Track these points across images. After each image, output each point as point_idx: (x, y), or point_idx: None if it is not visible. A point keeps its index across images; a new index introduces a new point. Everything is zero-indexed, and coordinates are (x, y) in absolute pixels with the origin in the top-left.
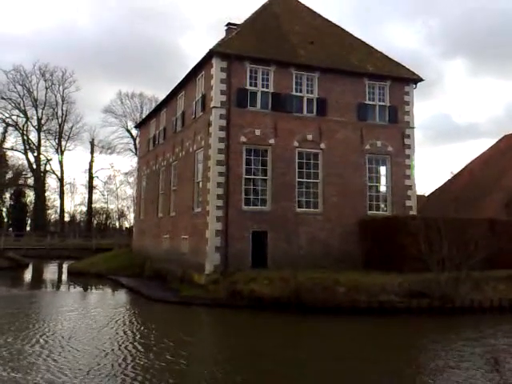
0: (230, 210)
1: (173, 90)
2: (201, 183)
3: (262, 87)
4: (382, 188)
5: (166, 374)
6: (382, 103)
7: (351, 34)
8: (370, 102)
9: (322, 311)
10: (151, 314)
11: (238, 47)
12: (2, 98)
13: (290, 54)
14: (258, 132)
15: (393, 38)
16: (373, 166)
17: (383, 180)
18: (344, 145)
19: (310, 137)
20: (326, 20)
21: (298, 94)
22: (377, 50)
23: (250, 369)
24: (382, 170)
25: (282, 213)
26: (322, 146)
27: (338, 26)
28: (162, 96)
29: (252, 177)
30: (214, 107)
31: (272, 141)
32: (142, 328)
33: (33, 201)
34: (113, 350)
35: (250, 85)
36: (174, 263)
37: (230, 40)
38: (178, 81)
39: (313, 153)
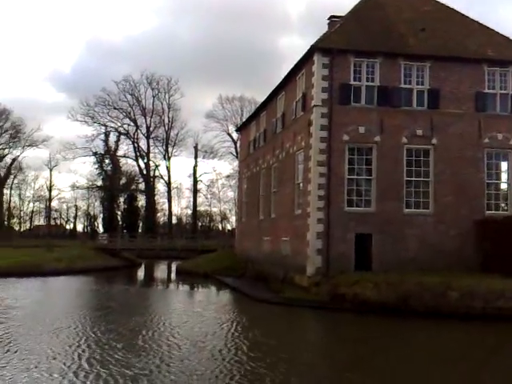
0: (331, 212)
1: (273, 91)
2: (301, 185)
3: (367, 81)
4: (503, 185)
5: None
6: (503, 91)
7: (467, 17)
8: (490, 91)
9: (431, 316)
10: (256, 314)
11: (340, 41)
12: (115, 108)
13: (398, 43)
14: (361, 129)
15: None
16: (492, 162)
17: (504, 177)
18: (459, 139)
19: (420, 132)
20: (438, 3)
21: (407, 86)
22: (498, 33)
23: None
24: (503, 165)
25: (388, 214)
26: (434, 141)
27: (453, 9)
28: (261, 98)
29: (355, 177)
30: (315, 106)
31: (377, 138)
32: (248, 327)
33: (144, 204)
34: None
35: (354, 80)
36: (276, 265)
37: (332, 34)
38: (278, 81)
39: (423, 149)
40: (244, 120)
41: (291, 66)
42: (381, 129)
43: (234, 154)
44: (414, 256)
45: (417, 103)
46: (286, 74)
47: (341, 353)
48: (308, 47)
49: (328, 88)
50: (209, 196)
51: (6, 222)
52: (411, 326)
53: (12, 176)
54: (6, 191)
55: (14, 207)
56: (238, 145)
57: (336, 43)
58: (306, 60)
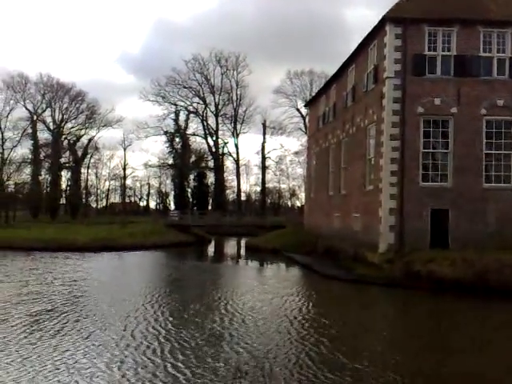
0: (405, 187)
1: (343, 64)
2: (373, 160)
3: (443, 51)
4: None
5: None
6: None
7: None
8: None
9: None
10: (327, 291)
11: (414, 10)
12: (184, 87)
13: (476, 10)
14: (437, 101)
15: None
16: None
17: None
18: None
19: (500, 102)
20: None
21: (487, 54)
22: None
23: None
24: None
25: (466, 189)
26: None
27: None
28: (331, 72)
29: (430, 150)
30: (387, 78)
31: (454, 110)
32: (321, 304)
33: (213, 182)
34: (289, 321)
35: (429, 50)
36: (346, 241)
37: (404, 3)
38: (348, 54)
39: (504, 120)
40: (313, 95)
41: (361, 38)
42: (458, 100)
43: (303, 129)
44: (494, 232)
45: (497, 72)
46: (356, 46)
47: (422, 330)
48: (377, 18)
49: (401, 59)
50: (277, 173)
51: (83, 200)
52: (486, 305)
53: (89, 155)
54: (84, 170)
55: (91, 185)
56: (307, 120)
57: (409, 12)
58: (377, 31)
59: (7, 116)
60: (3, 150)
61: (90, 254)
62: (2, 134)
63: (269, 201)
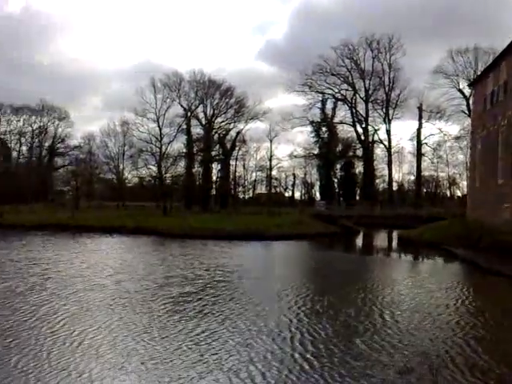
0: None
1: None
2: None
3: None
4: None
5: None
6: None
7: None
8: None
9: None
10: (489, 289)
11: None
12: (332, 75)
13: None
14: None
15: None
16: None
17: None
18: None
19: None
20: None
21: None
22: None
23: None
24: None
25: None
26: None
27: None
28: (500, 47)
29: None
30: None
31: None
32: (479, 302)
33: (361, 171)
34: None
35: None
36: None
37: None
38: None
39: None
40: (479, 73)
41: None
42: None
43: (466, 112)
44: None
45: None
46: None
47: None
48: None
49: None
50: (435, 160)
51: (232, 191)
52: None
53: (237, 148)
54: (232, 162)
55: (239, 177)
56: (471, 101)
57: None
58: None
59: (164, 114)
60: (161, 145)
61: (238, 243)
62: (161, 130)
63: (424, 190)
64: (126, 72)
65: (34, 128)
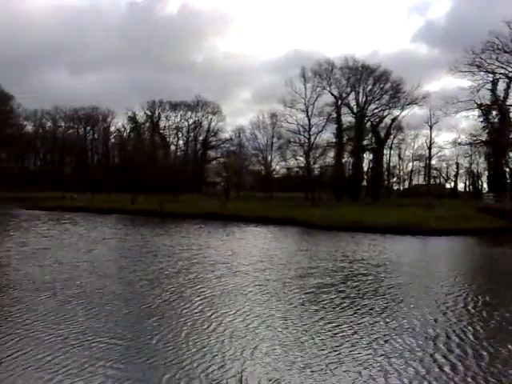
0: None
1: None
2: None
3: None
4: None
5: None
6: None
7: None
8: None
9: None
10: None
11: None
12: (505, 52)
13: None
14: None
15: None
16: None
17: None
18: None
19: None
20: None
21: None
22: None
23: None
24: None
25: None
26: None
27: None
28: None
29: None
30: None
31: None
32: None
33: None
34: None
35: None
36: None
37: None
38: None
39: None
40: None
41: None
42: None
43: None
44: None
45: None
46: None
47: None
48: None
49: None
50: None
51: (386, 182)
52: None
53: (391, 136)
54: (386, 151)
55: (394, 167)
56: None
57: None
58: None
59: (314, 103)
60: (310, 135)
61: (390, 236)
62: (309, 120)
63: None
64: (275, 63)
65: (190, 123)
